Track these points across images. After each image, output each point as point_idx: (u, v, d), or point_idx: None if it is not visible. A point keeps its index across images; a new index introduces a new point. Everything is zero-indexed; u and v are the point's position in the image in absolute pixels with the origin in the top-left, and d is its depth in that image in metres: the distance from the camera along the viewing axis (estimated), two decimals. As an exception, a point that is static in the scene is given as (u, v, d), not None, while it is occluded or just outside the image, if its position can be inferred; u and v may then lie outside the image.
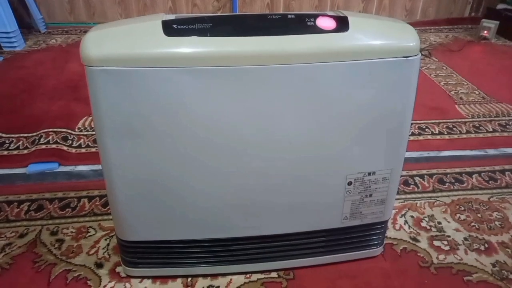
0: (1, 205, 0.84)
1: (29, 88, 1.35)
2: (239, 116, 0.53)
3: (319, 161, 0.59)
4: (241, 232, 0.64)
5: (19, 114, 1.19)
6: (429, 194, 0.89)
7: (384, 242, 0.73)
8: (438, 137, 1.11)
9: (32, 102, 1.25)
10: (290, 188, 0.61)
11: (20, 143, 1.04)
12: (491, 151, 1.05)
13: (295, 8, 2.12)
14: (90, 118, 1.15)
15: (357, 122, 0.56)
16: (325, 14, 0.53)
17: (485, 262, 0.72)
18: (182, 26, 0.50)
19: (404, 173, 0.95)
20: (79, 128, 1.11)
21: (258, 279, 0.68)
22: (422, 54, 1.65)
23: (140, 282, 0.67)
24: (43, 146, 1.01)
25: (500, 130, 1.14)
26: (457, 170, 0.97)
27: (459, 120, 1.19)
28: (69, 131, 1.09)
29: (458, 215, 0.83)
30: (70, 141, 1.05)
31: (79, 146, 1.03)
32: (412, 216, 0.82)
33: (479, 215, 0.83)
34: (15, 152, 1.01)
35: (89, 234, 0.77)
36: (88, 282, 0.67)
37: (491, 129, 1.15)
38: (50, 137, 1.05)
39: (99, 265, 0.70)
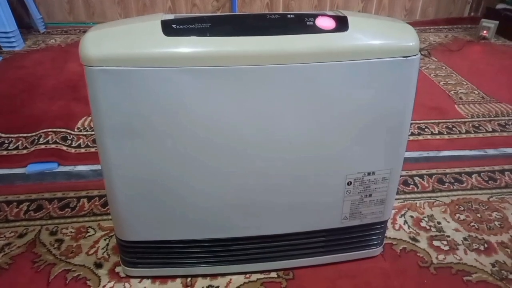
0: (1, 205, 0.84)
1: (29, 88, 1.34)
2: (239, 116, 0.53)
3: (319, 161, 0.59)
4: (241, 232, 0.64)
5: (19, 114, 1.19)
6: (429, 194, 0.89)
7: (384, 242, 0.73)
8: (438, 137, 1.11)
9: (31, 102, 1.25)
10: (290, 188, 0.61)
11: (20, 143, 1.04)
12: (491, 151, 1.05)
13: (294, 8, 2.12)
14: (90, 118, 1.15)
15: (357, 122, 0.56)
16: (325, 14, 0.53)
17: (485, 262, 0.72)
18: (181, 26, 0.50)
19: (404, 173, 0.95)
20: (78, 128, 1.11)
21: (257, 279, 0.68)
22: (421, 54, 1.65)
23: (140, 282, 0.67)
24: (43, 146, 1.01)
25: (499, 130, 1.14)
26: (457, 170, 0.97)
27: (459, 120, 1.19)
28: (69, 131, 1.09)
29: (457, 215, 0.83)
30: (70, 141, 1.05)
31: (79, 146, 1.03)
32: (411, 216, 0.82)
33: (478, 215, 0.83)
34: (15, 152, 1.01)
35: (88, 234, 0.77)
36: (88, 282, 0.67)
37: (490, 129, 1.15)
38: (50, 137, 1.05)
39: (99, 265, 0.70)
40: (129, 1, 2.03)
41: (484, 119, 1.20)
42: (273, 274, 0.69)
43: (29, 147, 1.02)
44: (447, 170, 0.97)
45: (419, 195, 0.89)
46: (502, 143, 1.08)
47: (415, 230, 0.79)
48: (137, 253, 0.65)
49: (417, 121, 1.17)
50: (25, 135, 1.07)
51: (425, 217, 0.82)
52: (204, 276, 0.68)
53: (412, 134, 1.12)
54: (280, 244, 0.66)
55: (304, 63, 0.51)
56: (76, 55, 0.50)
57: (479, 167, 0.98)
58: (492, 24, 1.87)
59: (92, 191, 0.88)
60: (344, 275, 0.69)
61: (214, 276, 0.68)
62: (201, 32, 0.50)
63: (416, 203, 0.86)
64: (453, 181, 0.93)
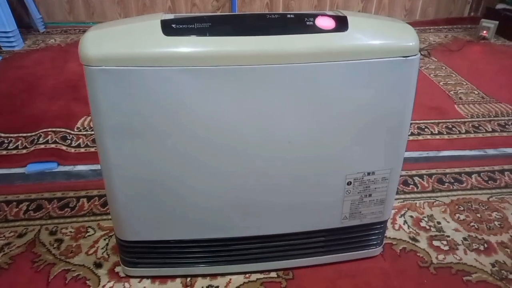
0: (0, 205, 0.84)
1: (28, 88, 1.34)
2: (239, 115, 0.53)
3: (319, 161, 0.59)
4: (241, 232, 0.64)
5: (18, 113, 1.19)
6: (429, 194, 0.89)
7: (384, 242, 0.73)
8: (438, 137, 1.11)
9: (31, 102, 1.25)
10: (289, 188, 0.60)
11: (19, 142, 1.04)
12: (491, 151, 1.05)
13: (294, 7, 2.12)
14: (89, 118, 1.15)
15: (357, 122, 0.56)
16: (325, 14, 0.53)
17: (485, 262, 0.72)
18: (181, 26, 0.50)
19: (404, 173, 0.95)
20: (78, 128, 1.11)
21: (257, 279, 0.68)
22: (421, 54, 1.65)
23: (139, 282, 0.67)
24: (42, 146, 1.01)
25: (499, 130, 1.14)
26: (457, 170, 0.97)
27: (459, 120, 1.19)
28: (68, 131, 1.09)
29: (457, 215, 0.83)
30: (69, 141, 1.05)
31: (78, 146, 1.03)
32: (411, 216, 0.82)
33: (478, 215, 0.83)
34: (14, 151, 1.01)
35: (88, 234, 0.77)
36: (87, 282, 0.67)
37: (490, 129, 1.15)
38: (49, 137, 1.05)
39: (98, 265, 0.70)
40: (129, 1, 2.03)
41: (484, 119, 1.20)
42: (273, 274, 0.69)
43: (28, 146, 1.02)
44: (447, 170, 0.97)
45: (419, 195, 0.89)
46: (502, 143, 1.08)
47: (415, 230, 0.79)
48: (137, 253, 0.65)
49: (417, 121, 1.17)
50: (24, 135, 1.07)
51: (425, 217, 0.82)
52: (204, 276, 0.68)
53: (412, 134, 1.12)
54: (280, 244, 0.66)
55: (304, 63, 0.51)
56: (76, 55, 0.50)
57: (479, 167, 0.98)
58: (492, 24, 1.87)
59: (91, 191, 0.88)
60: (344, 275, 0.69)
61: (214, 276, 0.68)
62: (201, 32, 0.50)
63: (416, 203, 0.86)
64: (453, 181, 0.93)
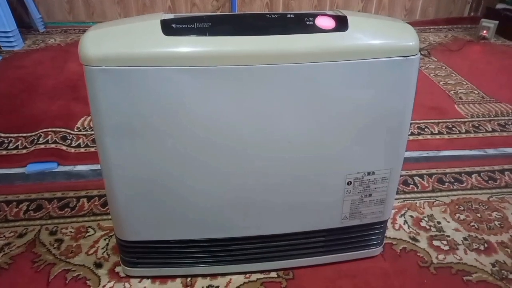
0: (0, 205, 0.84)
1: (28, 88, 1.34)
2: (239, 115, 0.53)
3: (319, 161, 0.59)
4: (241, 232, 0.64)
5: (18, 113, 1.19)
6: (429, 194, 0.89)
7: (384, 242, 0.73)
8: (438, 136, 1.11)
9: (31, 101, 1.25)
10: (289, 188, 0.60)
11: (19, 142, 1.04)
12: (491, 151, 1.05)
13: (294, 7, 2.12)
14: (89, 117, 1.15)
15: (357, 122, 0.56)
16: (324, 14, 0.53)
17: (485, 262, 0.72)
18: (181, 26, 0.50)
19: (404, 172, 0.95)
20: (78, 128, 1.11)
21: (257, 279, 0.68)
22: (421, 54, 1.65)
23: (140, 282, 0.67)
24: (42, 146, 1.01)
25: (499, 130, 1.14)
26: (457, 170, 0.97)
27: (459, 120, 1.19)
28: (68, 130, 1.09)
29: (457, 215, 0.83)
30: (69, 141, 1.05)
31: (78, 146, 1.03)
32: (411, 216, 0.82)
33: (478, 215, 0.83)
34: (14, 151, 1.01)
35: (88, 234, 0.77)
36: (88, 282, 0.67)
37: (490, 129, 1.15)
38: (49, 137, 1.05)
39: (98, 265, 0.70)
40: (128, 1, 2.03)
41: (484, 119, 1.20)
42: (273, 274, 0.69)
43: (28, 146, 1.02)
44: (447, 170, 0.97)
45: (419, 195, 0.89)
46: (502, 143, 1.08)
47: (415, 230, 0.79)
48: (137, 253, 0.65)
49: (417, 121, 1.17)
50: (24, 134, 1.07)
51: (425, 217, 0.82)
52: (204, 276, 0.68)
53: (412, 134, 1.12)
54: (280, 244, 0.66)
55: (303, 62, 0.51)
56: (76, 54, 0.50)
57: (479, 167, 0.98)
58: (492, 24, 1.86)
59: (91, 191, 0.88)
60: (344, 275, 0.69)
61: (214, 276, 0.68)
62: (200, 32, 0.50)
63: (416, 203, 0.86)
64: (453, 181, 0.93)
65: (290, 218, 0.63)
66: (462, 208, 0.85)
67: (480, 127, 1.16)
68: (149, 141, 0.54)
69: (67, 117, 1.16)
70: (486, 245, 0.75)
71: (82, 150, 1.02)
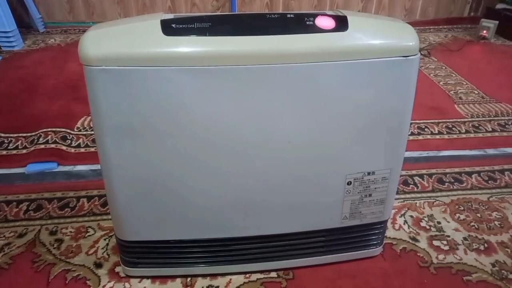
0: (0, 205, 0.84)
1: (28, 88, 1.34)
2: (239, 115, 0.53)
3: (319, 161, 0.59)
4: (241, 232, 0.64)
5: (18, 113, 1.19)
6: (429, 194, 0.89)
7: (384, 242, 0.73)
8: (438, 136, 1.11)
9: (31, 101, 1.25)
10: (289, 188, 0.60)
11: (19, 142, 1.04)
12: (491, 151, 1.05)
13: (294, 7, 2.12)
14: (89, 117, 1.15)
15: (357, 122, 0.56)
16: (324, 14, 0.53)
17: (485, 262, 0.72)
18: (181, 26, 0.50)
19: (404, 172, 0.95)
20: (78, 128, 1.11)
21: (257, 279, 0.68)
22: (421, 54, 1.65)
23: (140, 282, 0.67)
24: (42, 146, 1.01)
25: (499, 130, 1.14)
26: (457, 170, 0.97)
27: (459, 120, 1.19)
28: (68, 130, 1.09)
29: (457, 215, 0.83)
30: (69, 141, 1.05)
31: (78, 146, 1.03)
32: (411, 216, 0.82)
33: (478, 215, 0.83)
34: (14, 151, 1.01)
35: (88, 234, 0.77)
36: (88, 282, 0.67)
37: (490, 129, 1.15)
38: (49, 137, 1.05)
39: (98, 265, 0.70)
40: (128, 1, 2.03)
41: (484, 119, 1.20)
42: (273, 274, 0.69)
43: (28, 146, 1.02)
44: (447, 170, 0.97)
45: (419, 195, 0.89)
46: (502, 143, 1.08)
47: (415, 230, 0.79)
48: (137, 253, 0.65)
49: (417, 121, 1.17)
50: (24, 134, 1.07)
51: (425, 217, 0.82)
52: (204, 276, 0.68)
53: (412, 134, 1.12)
54: (280, 244, 0.66)
55: (303, 62, 0.51)
56: (76, 54, 0.50)
57: (479, 167, 0.98)
58: (492, 24, 1.86)
59: (91, 191, 0.88)
60: (344, 275, 0.69)
61: (214, 276, 0.68)
62: (200, 32, 0.50)
63: (416, 203, 0.86)
64: (453, 181, 0.93)
65: (290, 218, 0.63)
66: (462, 208, 0.85)
67: (480, 127, 1.16)
68: (149, 141, 0.54)
69: (67, 117, 1.16)
70: (486, 245, 0.75)
71: (82, 150, 1.02)
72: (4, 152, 1.01)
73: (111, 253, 0.72)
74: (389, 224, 0.79)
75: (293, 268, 0.69)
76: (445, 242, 0.76)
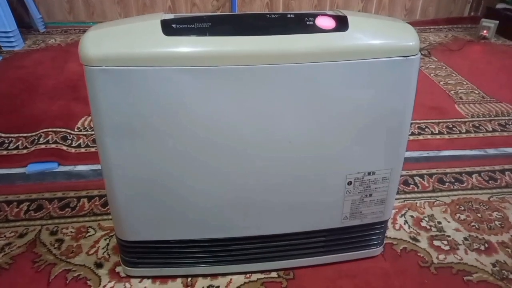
0: (1, 205, 0.84)
1: (29, 88, 1.34)
2: (239, 115, 0.53)
3: (319, 161, 0.59)
4: (241, 232, 0.64)
5: (19, 113, 1.19)
6: (429, 194, 0.89)
7: (384, 242, 0.73)
8: (438, 136, 1.11)
9: (31, 101, 1.25)
10: (290, 188, 0.60)
11: (20, 143, 1.04)
12: (491, 151, 1.05)
13: (294, 7, 2.12)
14: (90, 118, 1.15)
15: (357, 122, 0.56)
16: (325, 14, 0.53)
17: (485, 262, 0.72)
18: (181, 26, 0.50)
19: (404, 172, 0.95)
20: (78, 128, 1.11)
21: (258, 279, 0.68)
22: (421, 54, 1.65)
23: (140, 282, 0.67)
24: (43, 146, 1.01)
25: (500, 130, 1.14)
26: (457, 169, 0.97)
27: (459, 120, 1.19)
28: (69, 131, 1.09)
29: (458, 215, 0.83)
30: (70, 141, 1.05)
31: (79, 146, 1.03)
32: (412, 216, 0.82)
33: (479, 215, 0.83)
34: (15, 152, 1.01)
35: (88, 234, 0.77)
36: (88, 282, 0.67)
37: (490, 129, 1.15)
38: (50, 137, 1.05)
39: (99, 265, 0.70)
40: (129, 1, 2.03)
41: (484, 119, 1.20)
42: (274, 274, 0.69)
43: (29, 147, 1.02)
44: (448, 170, 0.97)
45: (419, 195, 0.89)
46: (502, 143, 1.08)
47: (415, 230, 0.79)
48: (138, 253, 0.65)
49: (417, 121, 1.17)
50: (25, 135, 1.07)
51: (425, 217, 0.82)
52: (204, 276, 0.68)
53: (412, 134, 1.11)
54: (280, 244, 0.66)
55: (304, 62, 0.51)
56: (76, 54, 0.50)
57: (480, 167, 0.98)
58: (492, 23, 1.86)
59: (92, 191, 0.88)
60: (344, 275, 0.69)
61: (214, 276, 0.68)
62: (201, 32, 0.50)
63: (417, 203, 0.86)
64: (453, 180, 0.93)
65: (291, 218, 0.63)
66: (462, 208, 0.85)
67: (480, 127, 1.16)
68: (150, 141, 0.54)
69: (68, 117, 1.16)
70: (486, 245, 0.75)
71: (83, 150, 1.02)
72: (5, 152, 1.01)
73: (111, 253, 0.72)
74: (389, 224, 0.79)
75: (293, 268, 0.69)
76: (445, 242, 0.76)
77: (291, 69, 0.51)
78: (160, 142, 0.54)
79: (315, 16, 0.52)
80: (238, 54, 0.50)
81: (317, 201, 0.63)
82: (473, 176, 0.95)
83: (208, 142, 0.55)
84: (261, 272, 0.69)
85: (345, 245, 0.69)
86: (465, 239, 0.77)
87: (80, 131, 1.10)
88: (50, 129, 1.09)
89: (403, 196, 0.88)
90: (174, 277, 0.68)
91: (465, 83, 1.45)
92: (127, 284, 0.67)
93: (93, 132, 1.05)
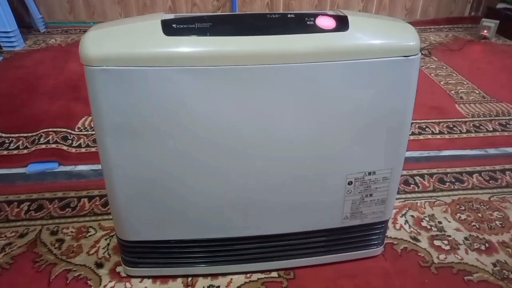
0: (1, 205, 0.84)
1: (29, 88, 1.34)
2: (239, 115, 0.53)
3: (319, 161, 0.59)
4: (241, 232, 0.64)
5: (19, 113, 1.19)
6: (430, 194, 0.89)
7: (385, 241, 0.73)
8: (439, 136, 1.11)
9: (31, 101, 1.25)
10: (290, 188, 0.60)
11: (20, 143, 1.04)
12: (492, 151, 1.05)
13: (295, 7, 2.12)
14: (90, 117, 1.15)
15: (357, 122, 0.56)
16: (325, 14, 0.53)
17: (486, 261, 0.72)
18: (181, 26, 0.50)
19: (405, 172, 0.95)
20: (79, 128, 1.11)
21: (258, 278, 0.68)
22: (422, 54, 1.65)
23: (141, 282, 0.67)
24: (43, 146, 1.01)
25: (500, 130, 1.14)
26: (458, 169, 0.97)
27: (459, 120, 1.19)
28: (69, 130, 1.09)
29: (458, 214, 0.83)
30: (70, 141, 1.05)
31: (79, 146, 1.03)
32: (412, 216, 0.82)
33: (479, 214, 0.83)
34: (15, 152, 1.01)
35: (89, 234, 0.77)
36: (89, 282, 0.67)
37: (491, 129, 1.15)
38: (50, 137, 1.05)
39: (99, 265, 0.70)
40: (129, 1, 2.03)
41: (484, 118, 1.20)
42: (274, 274, 0.69)
43: (29, 147, 1.02)
44: (448, 170, 0.97)
45: (420, 195, 0.89)
46: (503, 142, 1.08)
47: (416, 230, 0.79)
48: (138, 253, 0.65)
49: (418, 121, 1.17)
50: (25, 135, 1.07)
51: (426, 216, 0.82)
52: (205, 275, 0.68)
53: (413, 133, 1.11)
54: (280, 244, 0.66)
55: (304, 62, 0.51)
56: (77, 54, 0.50)
57: (480, 166, 0.98)
58: (492, 23, 1.86)
59: (92, 190, 0.88)
60: (344, 274, 0.69)
61: (215, 275, 0.68)
62: (201, 32, 0.50)
63: (417, 202, 0.86)
64: (454, 180, 0.93)
65: (291, 218, 0.63)
66: (463, 208, 0.84)
67: (481, 126, 1.16)
68: (150, 141, 0.54)
69: (68, 117, 1.16)
70: (487, 245, 0.75)
71: (83, 150, 1.02)
72: (5, 152, 1.01)
73: (112, 253, 0.72)
74: (390, 224, 0.79)
75: (294, 268, 0.69)
76: (446, 242, 0.76)
77: (291, 69, 0.51)
78: (161, 142, 0.54)
79: (315, 16, 0.52)
80: (239, 54, 0.50)
81: (317, 201, 0.63)
82: (474, 176, 0.95)
83: (208, 142, 0.55)
84: (262, 272, 0.69)
85: (345, 245, 0.69)
86: (466, 239, 0.77)
87: (81, 131, 1.10)
88: (50, 129, 1.09)
89: (403, 196, 0.88)
90: (174, 277, 0.68)
91: (465, 83, 1.45)
92: (128, 284, 0.67)
93: (93, 132, 1.05)
